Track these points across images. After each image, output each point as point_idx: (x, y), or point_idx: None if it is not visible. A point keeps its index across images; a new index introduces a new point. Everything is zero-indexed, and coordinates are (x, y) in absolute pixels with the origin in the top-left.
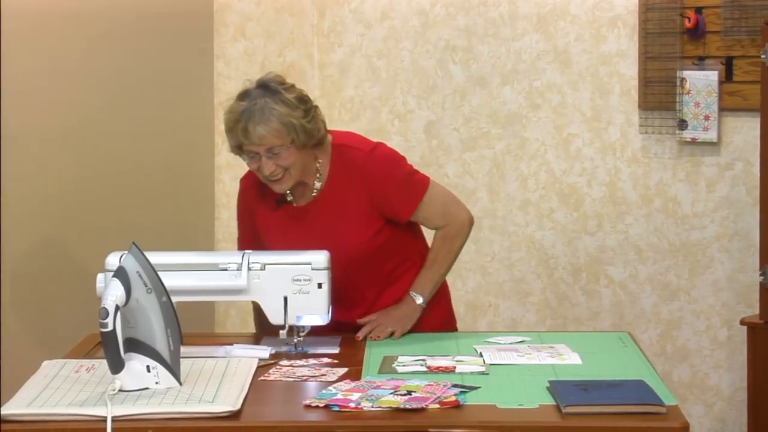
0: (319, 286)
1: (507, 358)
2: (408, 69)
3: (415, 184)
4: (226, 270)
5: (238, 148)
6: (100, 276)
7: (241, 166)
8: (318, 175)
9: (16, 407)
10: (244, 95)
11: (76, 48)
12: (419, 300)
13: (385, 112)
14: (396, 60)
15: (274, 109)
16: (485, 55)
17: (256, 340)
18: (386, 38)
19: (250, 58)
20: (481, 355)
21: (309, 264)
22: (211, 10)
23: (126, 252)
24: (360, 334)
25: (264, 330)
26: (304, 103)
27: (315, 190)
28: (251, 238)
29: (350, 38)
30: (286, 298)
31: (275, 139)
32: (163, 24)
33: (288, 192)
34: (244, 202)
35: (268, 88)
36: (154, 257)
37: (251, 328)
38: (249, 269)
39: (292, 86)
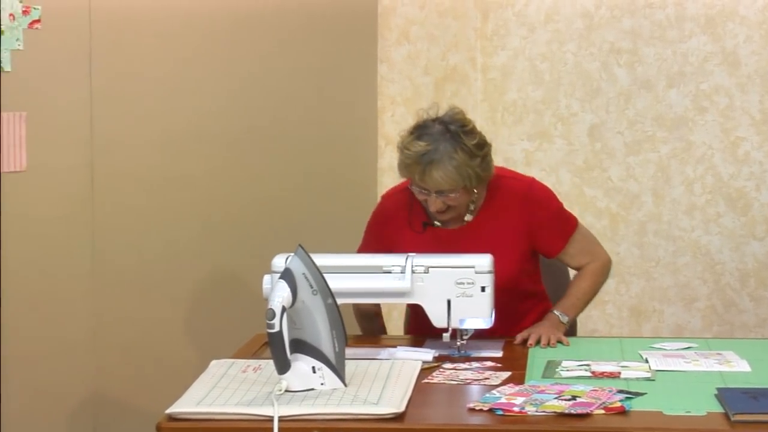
0: (483, 289)
1: (673, 364)
2: (572, 72)
3: (568, 220)
4: (389, 273)
5: (413, 183)
6: (266, 277)
7: None
8: (473, 203)
9: (185, 406)
10: (422, 132)
11: (244, 51)
12: (564, 319)
13: (548, 116)
14: (559, 63)
15: (453, 158)
16: (651, 58)
17: (419, 342)
18: (550, 41)
19: (414, 61)
20: (646, 361)
21: (473, 267)
22: (375, 14)
23: (292, 254)
24: (519, 339)
25: (416, 331)
26: (481, 148)
27: (468, 216)
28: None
29: (513, 41)
30: (449, 302)
31: (449, 184)
32: (328, 28)
33: (436, 217)
34: (384, 220)
35: (449, 130)
36: (320, 259)
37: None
38: (413, 272)
39: (473, 129)
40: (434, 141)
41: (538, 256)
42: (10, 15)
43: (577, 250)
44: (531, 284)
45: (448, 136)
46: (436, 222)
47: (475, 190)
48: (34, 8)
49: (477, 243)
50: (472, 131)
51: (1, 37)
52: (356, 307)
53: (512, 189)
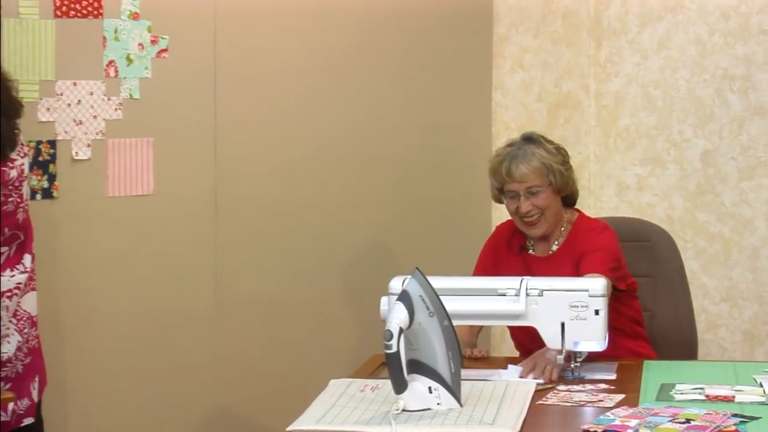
0: (596, 312)
1: None
2: (684, 98)
3: (608, 263)
4: (504, 295)
5: (500, 191)
6: (383, 299)
7: None
8: (561, 232)
9: (306, 423)
10: (508, 144)
11: (361, 81)
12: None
13: (661, 141)
14: (672, 89)
15: (536, 153)
16: (764, 84)
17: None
18: (663, 68)
19: (527, 88)
20: (761, 385)
21: (586, 291)
22: (490, 43)
23: (409, 276)
24: (523, 374)
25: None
26: (561, 154)
27: (554, 247)
28: (483, 274)
29: (627, 68)
30: (563, 324)
31: (535, 178)
32: (444, 56)
33: (531, 243)
34: (494, 243)
35: (531, 139)
36: (436, 282)
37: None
38: (527, 295)
39: (552, 141)
40: (517, 146)
41: (627, 295)
42: (139, 44)
43: None
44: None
45: (531, 141)
46: (530, 249)
47: (564, 218)
48: (162, 38)
49: (558, 272)
50: (556, 145)
51: (131, 65)
52: None
53: (588, 226)
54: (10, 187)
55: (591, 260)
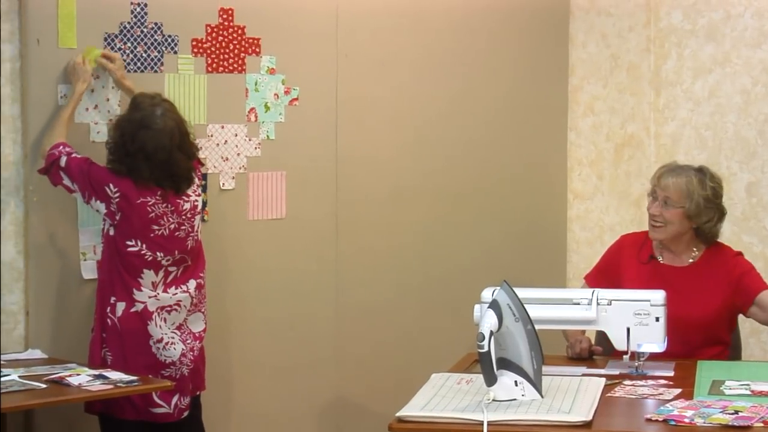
0: (657, 319)
1: None
2: (732, 138)
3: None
4: (578, 304)
5: (653, 191)
6: (476, 306)
7: (589, 219)
8: (694, 252)
9: (411, 410)
10: (682, 164)
11: (456, 126)
12: None
13: None
14: (721, 131)
15: (688, 177)
16: None
17: (602, 363)
18: (713, 113)
19: (597, 129)
20: None
21: (648, 301)
22: (566, 92)
23: (498, 288)
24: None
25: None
26: (717, 197)
27: (690, 260)
28: (599, 277)
29: (682, 113)
30: (628, 329)
31: (674, 194)
32: (527, 103)
33: (661, 254)
34: (617, 252)
35: (701, 170)
36: (521, 292)
37: None
38: (598, 304)
39: (718, 186)
40: (684, 166)
41: (736, 315)
42: (275, 94)
43: None
44: (723, 332)
45: (698, 170)
46: (660, 258)
47: (694, 246)
48: (294, 89)
49: (688, 284)
50: (716, 186)
51: (268, 112)
52: (565, 333)
53: (726, 252)
54: (183, 218)
55: (755, 279)
